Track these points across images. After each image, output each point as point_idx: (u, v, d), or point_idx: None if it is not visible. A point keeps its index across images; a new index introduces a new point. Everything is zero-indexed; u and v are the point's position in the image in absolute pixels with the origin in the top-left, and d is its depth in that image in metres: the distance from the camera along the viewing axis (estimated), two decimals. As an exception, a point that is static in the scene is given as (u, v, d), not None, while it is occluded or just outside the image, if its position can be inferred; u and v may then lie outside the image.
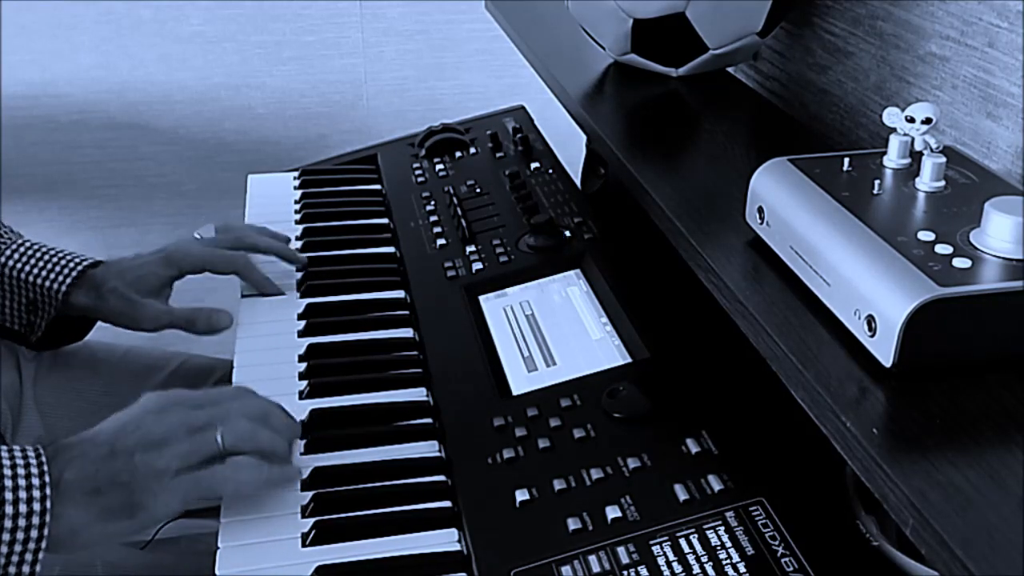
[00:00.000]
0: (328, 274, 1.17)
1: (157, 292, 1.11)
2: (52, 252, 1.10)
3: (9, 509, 0.73)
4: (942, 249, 0.64)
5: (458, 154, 1.39)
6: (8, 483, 0.74)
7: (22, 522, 0.74)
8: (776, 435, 0.80)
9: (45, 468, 0.76)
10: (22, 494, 0.74)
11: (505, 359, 0.97)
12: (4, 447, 0.77)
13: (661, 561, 0.71)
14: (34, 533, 0.74)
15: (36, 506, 0.74)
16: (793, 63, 1.21)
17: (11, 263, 1.08)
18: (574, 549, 0.73)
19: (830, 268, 0.67)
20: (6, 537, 0.73)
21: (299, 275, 1.17)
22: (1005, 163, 0.86)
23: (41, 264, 1.08)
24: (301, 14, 1.93)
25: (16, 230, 1.15)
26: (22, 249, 1.09)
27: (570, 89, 1.14)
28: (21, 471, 0.75)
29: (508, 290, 1.08)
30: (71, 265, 1.09)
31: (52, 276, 1.07)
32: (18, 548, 0.74)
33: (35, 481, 0.75)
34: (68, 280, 1.07)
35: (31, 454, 0.77)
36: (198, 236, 1.17)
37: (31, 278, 1.07)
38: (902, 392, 0.61)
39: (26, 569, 0.74)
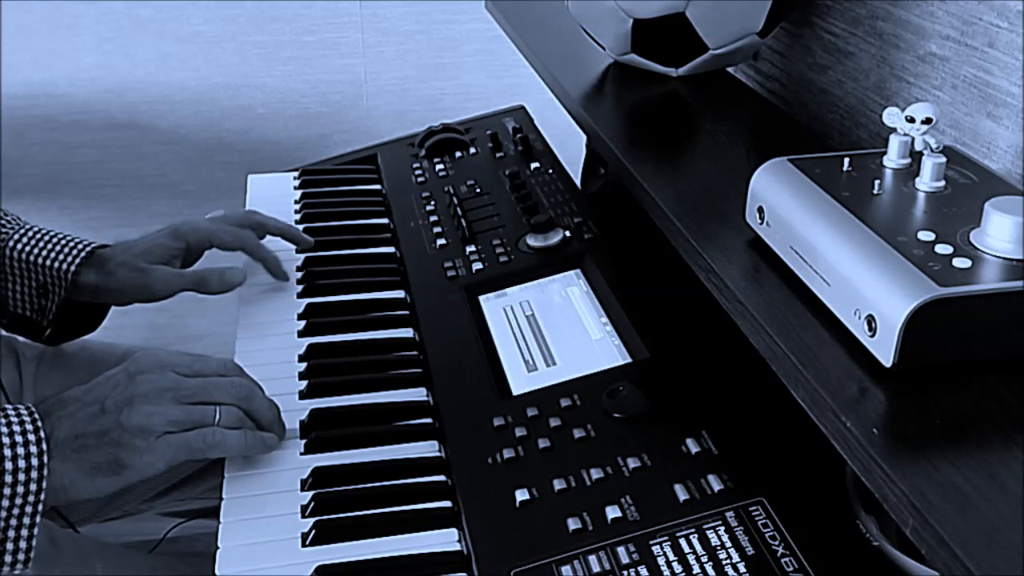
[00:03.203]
0: (328, 274, 1.17)
1: (165, 263, 1.12)
2: (60, 235, 1.11)
3: (8, 465, 0.77)
4: (942, 249, 0.64)
5: (458, 154, 1.39)
6: (6, 440, 0.78)
7: (21, 476, 0.77)
8: (776, 435, 0.80)
9: (39, 425, 0.80)
10: (20, 450, 0.78)
11: (505, 359, 0.97)
12: None
13: (661, 561, 0.71)
14: (33, 487, 0.78)
15: (34, 461, 0.78)
16: (793, 63, 1.21)
17: (19, 247, 1.09)
18: (574, 549, 0.73)
19: (830, 268, 0.67)
20: (7, 492, 0.77)
21: (299, 275, 1.17)
22: (1005, 163, 0.86)
23: (50, 247, 1.09)
24: (301, 14, 1.93)
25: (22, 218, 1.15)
26: (30, 234, 1.10)
27: (570, 89, 1.14)
28: (17, 428, 0.79)
29: (508, 290, 1.08)
30: (79, 246, 1.10)
31: (61, 257, 1.08)
32: (19, 502, 0.77)
33: (31, 438, 0.79)
34: (77, 260, 1.08)
35: (24, 412, 0.80)
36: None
37: (40, 260, 1.08)
38: (902, 392, 0.61)
39: (27, 520, 0.78)
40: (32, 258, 1.08)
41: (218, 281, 1.09)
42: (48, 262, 1.08)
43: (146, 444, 0.81)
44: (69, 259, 1.08)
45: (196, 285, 1.10)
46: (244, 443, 0.85)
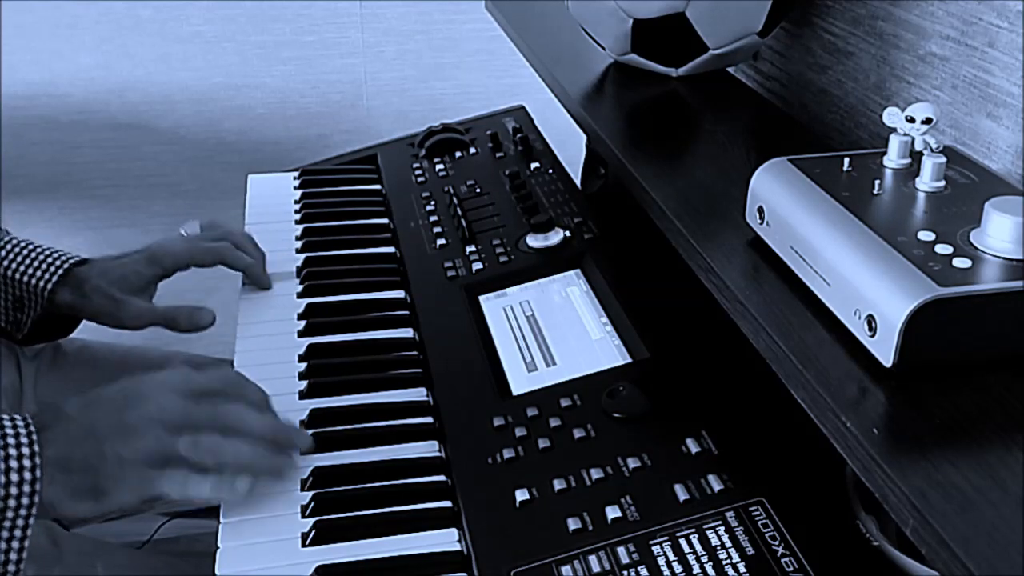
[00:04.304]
0: (328, 274, 1.17)
1: (141, 291, 1.12)
2: (39, 250, 1.10)
3: (1, 478, 0.76)
4: (942, 249, 0.64)
5: (458, 154, 1.39)
6: (0, 453, 0.77)
7: (13, 490, 0.77)
8: (776, 435, 0.80)
9: (35, 439, 0.79)
10: (13, 464, 0.77)
11: (505, 359, 0.97)
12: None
13: (661, 561, 0.71)
14: (25, 500, 0.77)
15: (27, 475, 0.77)
16: (793, 63, 1.21)
17: None
18: (574, 549, 0.73)
19: (830, 268, 0.67)
20: None
21: (299, 275, 1.17)
22: (1005, 163, 0.86)
23: (28, 262, 1.09)
24: (301, 14, 1.93)
25: (5, 228, 1.15)
26: (9, 247, 1.10)
27: (570, 89, 1.14)
28: (12, 440, 0.78)
29: (508, 290, 1.08)
30: (57, 263, 1.09)
31: (38, 274, 1.08)
32: (10, 515, 0.77)
33: (25, 451, 0.78)
34: (54, 278, 1.08)
35: (20, 425, 0.79)
36: (183, 233, 1.17)
37: (17, 275, 1.08)
38: (902, 392, 0.61)
39: (17, 533, 0.77)
40: (9, 272, 1.08)
41: (187, 320, 1.09)
42: (26, 278, 1.08)
43: (123, 475, 0.79)
44: (46, 276, 1.08)
45: (166, 322, 1.10)
46: (215, 491, 0.81)
